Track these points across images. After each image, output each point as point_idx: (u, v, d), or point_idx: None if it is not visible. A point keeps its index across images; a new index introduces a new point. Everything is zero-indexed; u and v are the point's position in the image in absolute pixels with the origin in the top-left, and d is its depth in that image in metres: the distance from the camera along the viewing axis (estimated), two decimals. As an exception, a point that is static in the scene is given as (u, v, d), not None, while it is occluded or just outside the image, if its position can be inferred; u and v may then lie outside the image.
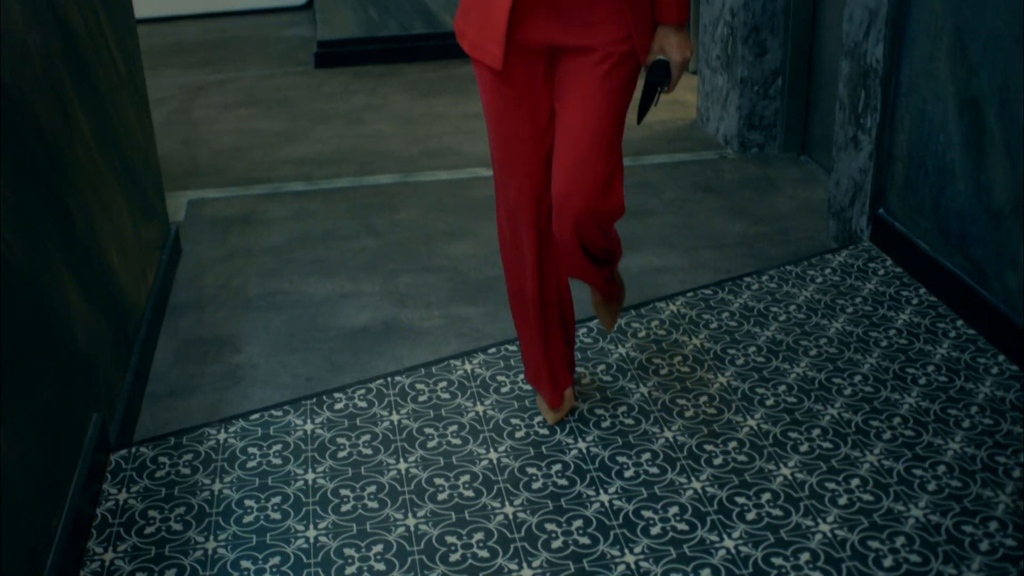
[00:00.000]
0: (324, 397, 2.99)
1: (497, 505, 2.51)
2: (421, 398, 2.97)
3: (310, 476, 2.64)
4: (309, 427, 2.85)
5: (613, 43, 2.43)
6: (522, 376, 3.03)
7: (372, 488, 2.59)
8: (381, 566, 2.33)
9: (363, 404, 2.96)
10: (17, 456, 2.08)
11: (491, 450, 2.73)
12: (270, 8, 8.75)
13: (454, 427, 2.83)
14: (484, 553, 2.36)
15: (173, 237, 3.98)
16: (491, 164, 2.67)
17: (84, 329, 2.64)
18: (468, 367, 3.12)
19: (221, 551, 2.40)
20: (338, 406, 2.95)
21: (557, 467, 2.65)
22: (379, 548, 2.38)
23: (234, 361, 3.31)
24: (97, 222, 2.90)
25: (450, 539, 2.41)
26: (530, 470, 2.64)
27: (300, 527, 2.46)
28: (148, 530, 2.48)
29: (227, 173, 5.02)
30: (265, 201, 4.63)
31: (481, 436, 2.79)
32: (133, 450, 2.77)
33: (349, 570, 2.31)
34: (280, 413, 2.92)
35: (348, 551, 2.38)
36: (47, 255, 2.40)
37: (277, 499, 2.57)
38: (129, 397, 2.94)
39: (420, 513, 2.50)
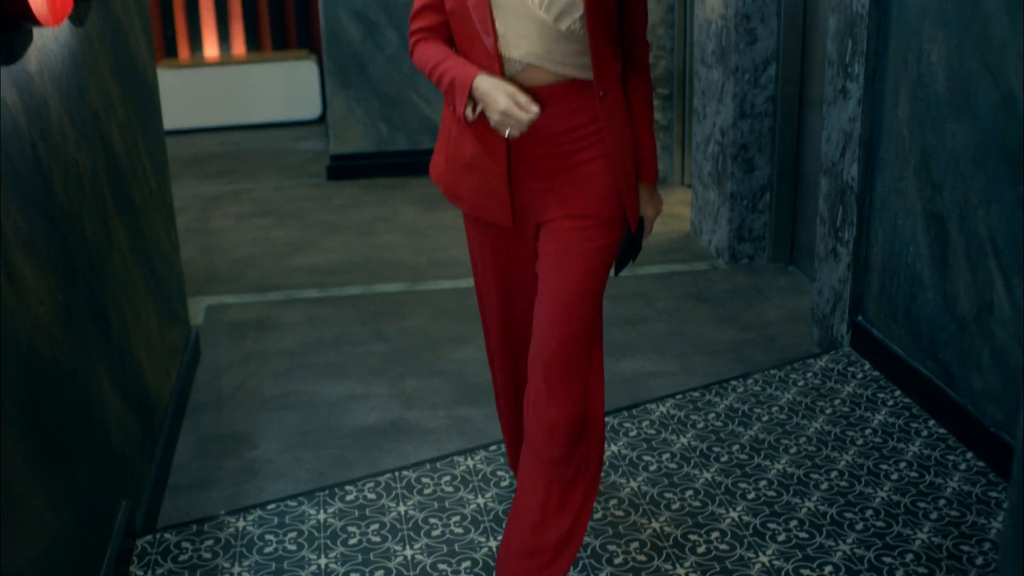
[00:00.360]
0: (336, 489, 3.21)
1: (496, 588, 2.71)
2: (426, 491, 3.18)
3: (323, 561, 2.84)
4: (322, 516, 3.06)
5: (604, 210, 2.53)
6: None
7: (380, 573, 2.79)
8: (388, 643, 2.52)
9: (372, 496, 3.17)
10: (59, 533, 2.29)
11: (491, 539, 2.93)
12: (284, 122, 9.13)
13: (457, 517, 3.04)
14: (483, 632, 2.55)
15: (193, 340, 4.23)
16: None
17: (116, 423, 2.87)
18: (470, 463, 3.34)
19: (240, 629, 2.59)
20: (349, 497, 3.16)
21: (552, 554, 2.84)
22: (386, 627, 2.58)
23: (251, 456, 3.52)
24: (130, 325, 3.15)
25: (452, 619, 2.60)
26: (527, 557, 2.84)
27: (313, 608, 2.66)
28: (172, 610, 2.67)
29: (244, 280, 5.29)
30: (280, 307, 4.89)
31: (482, 526, 2.99)
32: (158, 536, 2.98)
33: (358, 647, 2.50)
34: (295, 503, 3.13)
35: (358, 629, 2.57)
36: (88, 354, 2.65)
37: (292, 582, 2.77)
38: (154, 487, 3.16)
39: (424, 595, 2.70)
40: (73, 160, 2.65)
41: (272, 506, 3.13)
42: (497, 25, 2.38)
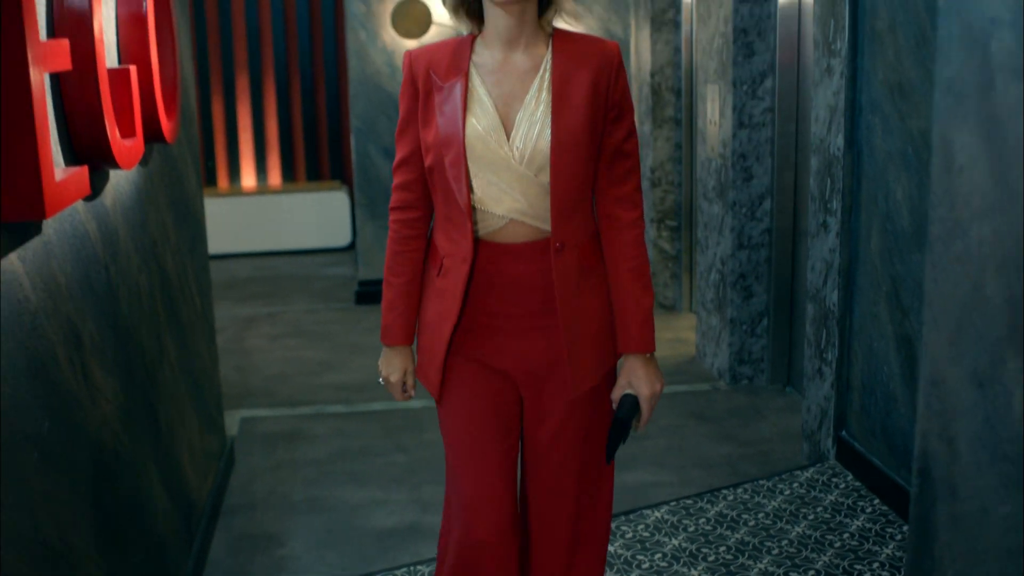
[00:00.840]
0: (356, 582, 3.52)
1: (498, 668, 3.00)
2: (438, 584, 3.49)
3: (343, 643, 3.15)
4: (343, 605, 3.37)
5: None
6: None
7: (394, 654, 3.09)
8: None
9: (389, 588, 3.48)
10: (115, 607, 2.63)
11: (496, 626, 3.23)
12: (316, 249, 9.61)
13: (465, 607, 3.34)
14: None
15: (229, 448, 4.59)
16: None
17: (162, 515, 3.22)
18: (480, 560, 3.64)
19: None
20: (368, 589, 3.48)
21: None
22: None
23: (279, 553, 3.85)
24: (175, 430, 3.52)
25: None
26: (527, 642, 3.13)
27: None
28: None
29: (276, 395, 5.66)
30: (309, 420, 5.25)
31: (488, 615, 3.29)
32: (195, 620, 3.29)
33: None
34: (319, 594, 3.45)
35: None
36: (142, 450, 3.01)
37: (315, 661, 3.07)
38: (192, 578, 3.49)
39: (434, 674, 2.99)
40: (135, 281, 3.06)
41: (298, 595, 3.45)
42: (475, 182, 2.32)
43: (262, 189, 9.78)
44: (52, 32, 2.31)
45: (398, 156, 2.45)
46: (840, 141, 4.09)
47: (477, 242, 2.36)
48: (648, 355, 2.39)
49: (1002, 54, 1.56)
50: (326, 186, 9.76)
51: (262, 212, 9.53)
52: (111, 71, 2.54)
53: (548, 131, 2.29)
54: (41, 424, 2.15)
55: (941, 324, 1.76)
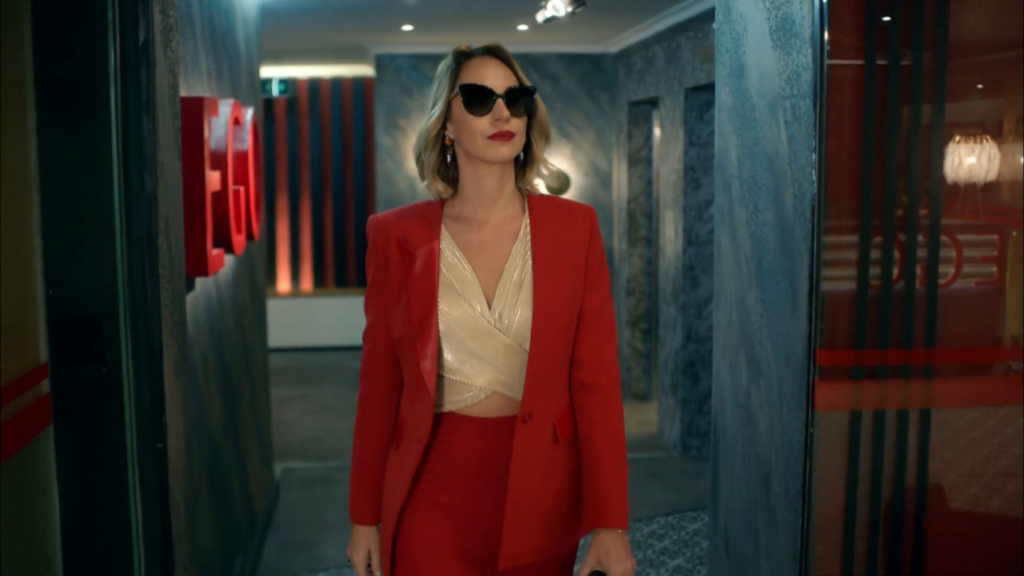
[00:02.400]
0: (375, 567, 4.78)
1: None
2: None
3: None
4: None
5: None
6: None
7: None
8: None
9: None
10: (211, 555, 3.89)
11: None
12: (343, 346, 10.93)
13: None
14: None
15: (276, 485, 5.87)
16: None
17: (241, 504, 4.49)
18: None
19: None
20: None
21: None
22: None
23: (315, 553, 5.10)
24: (247, 452, 4.81)
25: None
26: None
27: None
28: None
29: (310, 453, 6.94)
30: (339, 471, 6.53)
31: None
32: (259, 583, 4.55)
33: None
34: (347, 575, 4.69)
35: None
36: (230, 454, 4.30)
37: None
38: (252, 568, 4.75)
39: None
40: (231, 333, 4.39)
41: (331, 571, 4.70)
42: (450, 356, 2.18)
43: (295, 293, 11.16)
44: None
45: (368, 322, 2.31)
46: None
47: (440, 417, 2.22)
48: (621, 531, 2.16)
49: (738, 191, 2.94)
50: (352, 291, 11.14)
51: (295, 312, 10.90)
52: (233, 191, 3.92)
53: (531, 299, 2.18)
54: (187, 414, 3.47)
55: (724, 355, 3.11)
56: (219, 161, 3.63)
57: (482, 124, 2.15)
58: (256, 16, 5.55)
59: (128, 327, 2.33)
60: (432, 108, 2.21)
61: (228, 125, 3.72)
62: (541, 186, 2.34)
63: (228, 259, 4.28)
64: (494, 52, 2.20)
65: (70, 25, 2.24)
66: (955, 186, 2.80)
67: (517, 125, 2.17)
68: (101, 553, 2.36)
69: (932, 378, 2.82)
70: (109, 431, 2.34)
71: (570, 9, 5.33)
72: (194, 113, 3.16)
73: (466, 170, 2.23)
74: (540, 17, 5.84)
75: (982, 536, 2.94)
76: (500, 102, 2.15)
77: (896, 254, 2.74)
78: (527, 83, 2.20)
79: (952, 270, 2.80)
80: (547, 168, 2.29)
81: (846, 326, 2.75)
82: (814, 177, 2.62)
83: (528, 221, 2.26)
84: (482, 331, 2.18)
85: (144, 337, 2.36)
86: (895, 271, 2.74)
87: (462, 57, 2.20)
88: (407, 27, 7.44)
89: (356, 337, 11.74)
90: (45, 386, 2.22)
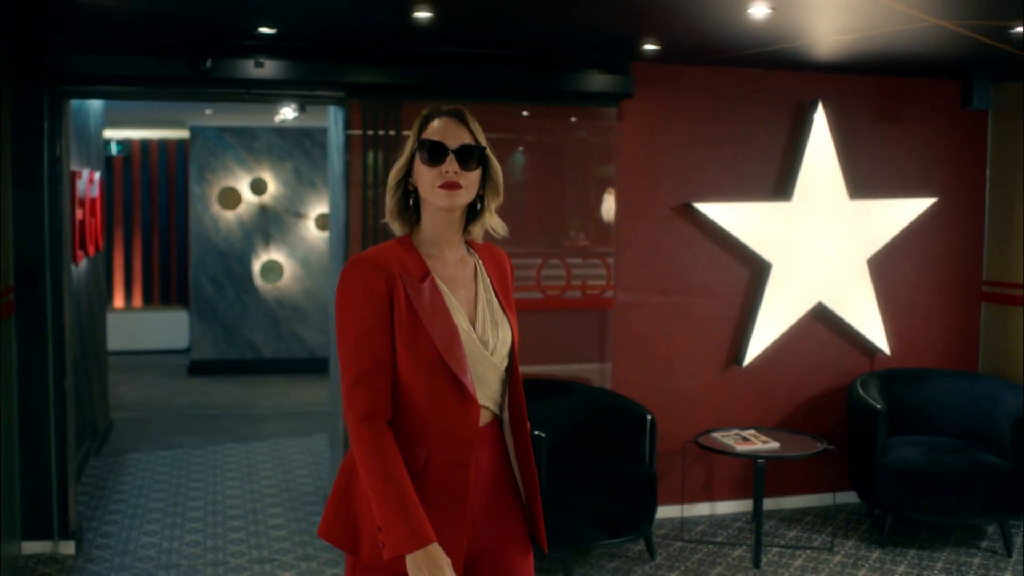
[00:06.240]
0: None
1: None
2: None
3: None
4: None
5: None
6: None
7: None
8: None
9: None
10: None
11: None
12: (163, 349, 13.30)
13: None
14: None
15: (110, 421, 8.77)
16: None
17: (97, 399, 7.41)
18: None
19: None
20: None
21: None
22: None
23: (138, 457, 8.01)
24: (102, 380, 7.73)
25: None
26: None
27: None
28: None
29: (136, 407, 9.76)
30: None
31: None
32: None
33: None
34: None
35: None
36: (92, 373, 7.26)
37: None
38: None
39: None
40: (84, 299, 7.37)
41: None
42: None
43: (128, 308, 13.27)
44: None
45: (361, 366, 2.29)
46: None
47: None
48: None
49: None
50: (173, 307, 13.32)
51: (127, 322, 13.09)
52: (89, 220, 6.88)
53: (507, 325, 2.44)
54: (73, 324, 6.45)
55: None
56: (81, 203, 6.64)
57: (433, 175, 2.33)
58: (101, 104, 8.41)
59: (50, 276, 5.39)
60: (399, 158, 2.41)
61: (87, 183, 6.75)
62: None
63: (85, 259, 7.24)
64: (455, 114, 2.39)
65: (29, 138, 5.27)
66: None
67: (468, 178, 2.34)
68: (37, 385, 5.40)
69: None
70: (38, 320, 5.39)
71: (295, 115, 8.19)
72: (73, 178, 6.19)
73: (426, 213, 2.42)
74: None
75: None
76: (451, 156, 2.32)
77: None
78: (483, 142, 2.37)
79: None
80: (494, 224, 2.47)
81: None
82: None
83: (478, 259, 2.49)
84: (476, 352, 2.38)
85: (55, 281, 5.42)
86: None
87: (428, 117, 2.40)
88: (208, 111, 10.31)
89: (176, 343, 14.06)
90: (12, 296, 5.22)
